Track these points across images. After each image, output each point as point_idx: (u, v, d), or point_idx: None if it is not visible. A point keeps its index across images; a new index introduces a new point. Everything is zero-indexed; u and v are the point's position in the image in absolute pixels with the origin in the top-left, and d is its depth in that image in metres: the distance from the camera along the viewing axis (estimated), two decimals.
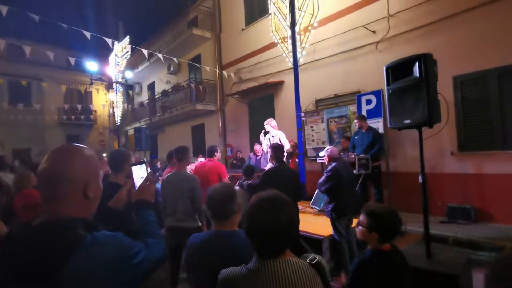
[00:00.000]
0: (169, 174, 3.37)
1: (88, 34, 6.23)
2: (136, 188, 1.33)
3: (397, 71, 2.70)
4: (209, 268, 1.49)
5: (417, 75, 2.49)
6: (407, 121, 2.56)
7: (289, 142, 6.26)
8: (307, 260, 1.08)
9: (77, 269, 0.80)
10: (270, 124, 5.54)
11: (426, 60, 2.45)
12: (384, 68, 2.79)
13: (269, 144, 5.52)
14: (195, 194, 3.17)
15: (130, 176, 1.51)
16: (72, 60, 8.01)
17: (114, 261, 0.88)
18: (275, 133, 5.47)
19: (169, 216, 3.18)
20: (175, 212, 3.15)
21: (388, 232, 1.72)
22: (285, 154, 5.52)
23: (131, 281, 0.93)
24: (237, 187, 4.61)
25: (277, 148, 3.77)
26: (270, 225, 1.04)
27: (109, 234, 0.93)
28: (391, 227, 1.72)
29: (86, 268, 0.82)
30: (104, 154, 5.56)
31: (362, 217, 1.79)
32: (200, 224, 3.22)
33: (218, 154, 4.62)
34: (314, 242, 3.83)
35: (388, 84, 2.76)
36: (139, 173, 1.47)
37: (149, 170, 1.50)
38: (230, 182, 4.40)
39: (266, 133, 5.71)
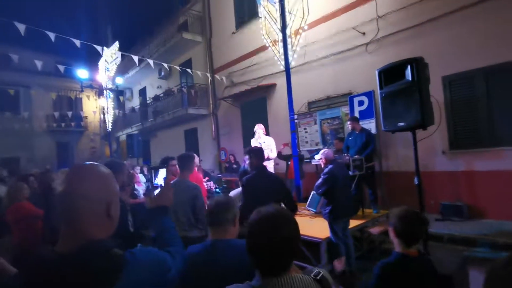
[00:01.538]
0: (171, 182, 3.28)
1: (77, 42, 6.11)
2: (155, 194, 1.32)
3: (389, 74, 2.74)
4: (208, 278, 1.50)
5: (410, 78, 2.54)
6: (401, 124, 2.60)
7: (285, 145, 6.28)
8: (312, 275, 1.07)
9: None
10: (263, 130, 5.55)
11: (418, 64, 2.50)
12: (377, 72, 2.83)
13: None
14: (196, 203, 3.05)
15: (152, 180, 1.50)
16: (61, 68, 7.88)
17: (155, 277, 0.91)
18: (266, 139, 5.47)
19: None
20: (177, 221, 3.08)
21: (409, 236, 1.68)
22: (271, 161, 5.53)
23: None
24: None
25: (256, 152, 3.26)
26: (271, 244, 1.02)
27: (145, 250, 0.95)
28: (412, 232, 1.68)
29: (133, 286, 0.83)
30: None
31: (392, 219, 1.77)
32: (204, 233, 3.14)
33: (196, 161, 4.65)
34: (312, 245, 3.84)
35: (381, 87, 2.80)
36: (161, 177, 1.47)
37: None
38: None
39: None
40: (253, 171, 3.22)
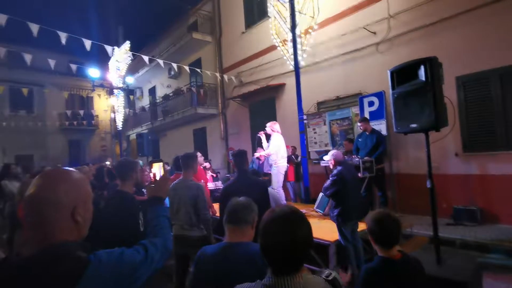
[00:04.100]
0: (175, 181, 3.30)
1: (88, 43, 6.16)
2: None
3: (401, 75, 2.68)
4: (220, 279, 1.48)
5: (423, 78, 2.47)
6: (414, 126, 2.53)
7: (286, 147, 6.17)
8: (323, 276, 1.06)
9: None
10: (271, 128, 5.44)
11: (432, 64, 2.43)
12: (389, 72, 2.77)
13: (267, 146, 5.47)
14: (198, 202, 3.05)
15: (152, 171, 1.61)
16: (74, 67, 7.99)
17: (119, 279, 0.92)
18: (273, 136, 5.39)
19: (174, 224, 3.11)
20: (178, 221, 3.09)
21: (386, 239, 1.68)
22: (283, 159, 5.40)
23: None
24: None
25: (237, 156, 3.09)
26: (285, 244, 1.01)
27: (110, 252, 0.95)
28: (388, 234, 1.68)
29: None
30: (108, 162, 5.54)
31: (367, 224, 1.77)
32: (205, 232, 3.15)
33: (200, 159, 4.83)
34: (320, 248, 3.79)
35: (393, 88, 2.73)
36: (157, 170, 1.58)
37: (168, 168, 1.61)
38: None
39: (267, 135, 5.65)
40: (236, 177, 3.07)
